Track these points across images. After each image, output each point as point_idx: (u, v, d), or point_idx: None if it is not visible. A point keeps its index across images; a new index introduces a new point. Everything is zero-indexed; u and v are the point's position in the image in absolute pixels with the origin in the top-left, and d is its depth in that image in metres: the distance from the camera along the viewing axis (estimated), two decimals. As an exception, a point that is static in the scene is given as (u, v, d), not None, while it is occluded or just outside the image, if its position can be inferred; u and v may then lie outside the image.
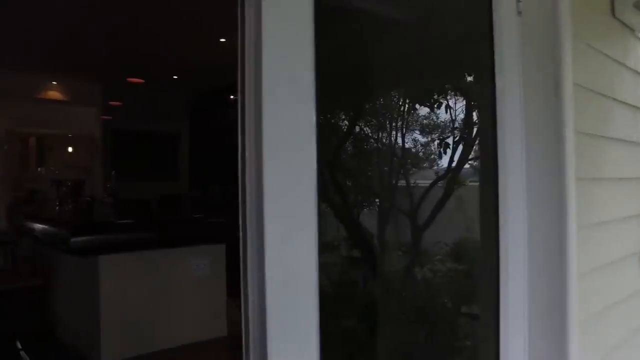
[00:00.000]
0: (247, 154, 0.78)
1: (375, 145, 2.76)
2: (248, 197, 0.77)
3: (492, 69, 1.00)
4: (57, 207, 3.59)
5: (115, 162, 6.85)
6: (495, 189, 0.99)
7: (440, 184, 2.60)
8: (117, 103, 6.09)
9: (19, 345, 3.15)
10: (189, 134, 7.60)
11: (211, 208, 6.96)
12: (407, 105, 2.83)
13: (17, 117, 7.53)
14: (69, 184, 3.37)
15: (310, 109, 0.77)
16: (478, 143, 2.11)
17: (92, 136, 7.07)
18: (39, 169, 10.56)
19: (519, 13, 1.00)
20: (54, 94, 6.92)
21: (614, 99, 1.34)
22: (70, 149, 10.51)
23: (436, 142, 2.75)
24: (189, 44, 4.99)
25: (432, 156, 2.84)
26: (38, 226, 2.87)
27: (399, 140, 2.73)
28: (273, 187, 0.73)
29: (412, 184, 2.73)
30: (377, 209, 2.87)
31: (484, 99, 1.14)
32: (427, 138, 2.82)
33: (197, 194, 7.52)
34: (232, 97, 6.55)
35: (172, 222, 2.66)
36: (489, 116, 1.03)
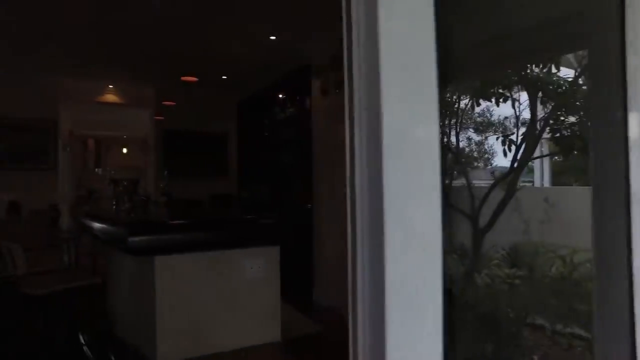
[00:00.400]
0: (357, 153, 0.64)
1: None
2: (359, 201, 0.64)
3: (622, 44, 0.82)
4: (114, 206, 3.65)
5: (167, 163, 7.01)
6: (627, 190, 0.81)
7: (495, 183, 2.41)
8: (171, 103, 6.19)
9: (82, 340, 3.23)
10: (237, 134, 7.66)
11: (260, 208, 6.97)
12: (469, 101, 2.65)
13: (78, 120, 7.90)
14: (125, 183, 3.39)
15: (433, 102, 0.63)
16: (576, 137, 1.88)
17: (146, 137, 7.27)
18: (96, 169, 11.12)
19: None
20: (111, 97, 7.18)
21: None
22: (125, 150, 10.97)
23: (499, 139, 2.54)
24: (239, 42, 4.99)
25: (487, 155, 2.65)
26: (97, 225, 2.90)
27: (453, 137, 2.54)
28: (393, 189, 0.60)
29: (471, 184, 2.54)
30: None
31: (601, 83, 0.95)
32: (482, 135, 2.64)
33: (245, 194, 7.57)
34: (280, 95, 6.52)
35: (227, 222, 2.59)
36: (611, 101, 0.86)
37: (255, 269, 2.84)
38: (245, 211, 6.74)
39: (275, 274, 2.95)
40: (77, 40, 5.01)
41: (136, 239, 2.30)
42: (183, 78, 4.56)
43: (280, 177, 6.91)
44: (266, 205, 6.80)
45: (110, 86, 7.06)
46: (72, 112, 6.85)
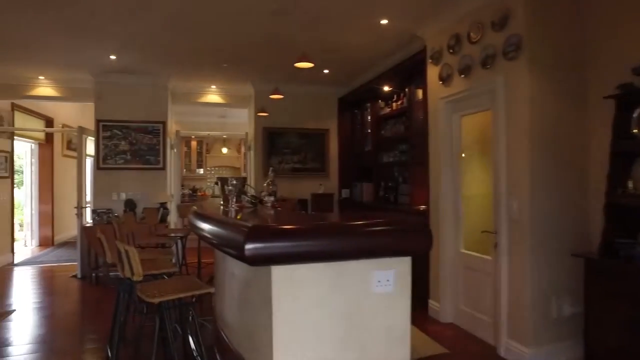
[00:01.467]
0: None
1: None
2: None
3: None
4: (221, 206, 3.45)
5: (268, 161, 6.89)
6: None
7: None
8: (279, 95, 5.99)
9: (192, 346, 3.05)
10: (337, 131, 7.32)
11: (362, 209, 6.55)
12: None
13: (183, 122, 8.18)
14: (234, 182, 3.15)
15: None
16: None
17: (246, 136, 7.22)
18: (198, 169, 11.59)
19: None
20: (214, 98, 7.26)
21: None
22: (224, 150, 11.26)
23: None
24: (347, 29, 4.60)
25: None
26: (207, 226, 2.65)
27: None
28: None
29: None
30: None
31: None
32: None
33: (346, 194, 7.20)
34: (385, 88, 6.04)
35: (352, 228, 2.16)
36: None
37: (384, 283, 2.39)
38: (346, 211, 6.36)
39: (406, 289, 2.46)
40: (182, 41, 5.01)
41: (254, 246, 1.97)
42: (297, 65, 4.27)
43: (385, 176, 6.43)
44: (369, 206, 6.36)
45: (213, 86, 7.13)
46: (178, 113, 7.02)
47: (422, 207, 5.17)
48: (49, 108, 8.53)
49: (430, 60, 4.35)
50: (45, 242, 8.79)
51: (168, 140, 6.52)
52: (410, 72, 5.39)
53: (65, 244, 8.96)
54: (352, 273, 2.31)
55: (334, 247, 2.05)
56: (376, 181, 6.56)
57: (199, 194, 10.52)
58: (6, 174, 6.98)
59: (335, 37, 4.83)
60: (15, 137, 7.31)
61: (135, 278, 2.12)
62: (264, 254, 2.01)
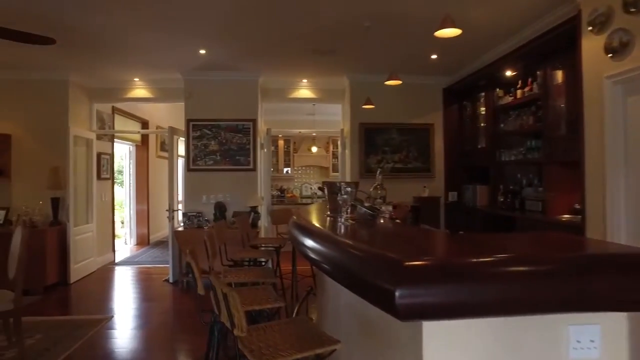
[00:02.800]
0: None
1: None
2: None
3: None
4: (328, 217, 2.82)
5: (366, 161, 6.22)
6: None
7: None
8: (397, 81, 5.29)
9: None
10: (443, 126, 6.42)
11: (476, 216, 5.61)
12: None
13: (269, 121, 7.80)
14: (348, 188, 2.50)
15: None
16: None
17: (342, 133, 6.59)
18: (285, 169, 11.27)
19: None
20: (305, 93, 6.75)
21: None
22: (315, 149, 10.79)
23: None
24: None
25: None
26: (318, 247, 2.02)
27: None
28: None
29: None
30: None
31: None
32: None
33: (453, 198, 6.29)
34: (508, 73, 5.05)
35: (562, 264, 1.38)
36: None
37: (586, 345, 1.57)
38: (455, 219, 5.38)
39: (620, 356, 1.62)
40: (273, 30, 4.52)
41: (412, 292, 1.30)
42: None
43: (505, 177, 5.43)
44: (486, 213, 5.40)
45: (304, 81, 6.62)
46: (265, 111, 6.61)
47: (565, 216, 4.15)
48: (144, 111, 8.67)
49: (589, 28, 3.34)
50: (142, 240, 8.97)
51: (258, 140, 6.11)
52: (542, 52, 4.38)
53: (160, 243, 9.08)
54: (535, 329, 1.54)
55: (537, 293, 1.29)
56: (493, 183, 5.57)
57: (287, 195, 10.16)
58: (107, 176, 7.09)
59: (457, 11, 4.00)
60: (115, 140, 7.44)
61: (237, 333, 1.54)
62: (426, 304, 1.32)
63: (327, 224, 2.63)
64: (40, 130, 6.01)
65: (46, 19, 4.05)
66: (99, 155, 6.77)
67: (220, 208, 5.81)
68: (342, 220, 2.59)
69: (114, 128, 7.30)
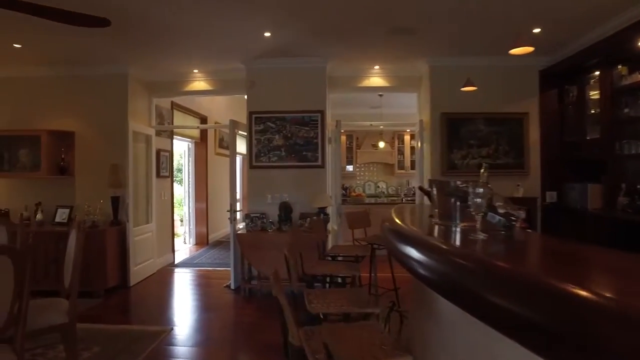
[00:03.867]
0: None
1: None
2: None
3: None
4: (435, 223, 2.17)
5: (449, 157, 5.43)
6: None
7: None
8: (471, 87, 4.58)
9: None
10: (539, 115, 5.50)
11: (587, 221, 4.68)
12: None
13: (332, 115, 7.18)
14: (481, 191, 1.81)
15: None
16: None
17: (420, 124, 5.83)
18: (348, 166, 10.63)
19: None
20: (376, 81, 6.07)
21: None
22: (382, 144, 10.06)
23: None
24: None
25: None
26: (443, 269, 1.37)
27: None
28: None
29: None
30: None
31: None
32: None
33: (552, 198, 5.36)
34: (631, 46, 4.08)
35: None
36: None
37: None
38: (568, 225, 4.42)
39: None
40: (345, 8, 3.89)
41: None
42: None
43: (628, 174, 4.46)
44: (602, 217, 4.47)
45: (376, 67, 5.93)
46: (336, 100, 5.99)
47: None
48: (203, 106, 8.38)
49: None
50: (201, 240, 8.71)
51: (326, 133, 5.51)
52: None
53: (219, 244, 8.78)
54: None
55: None
56: (610, 181, 4.61)
57: (352, 194, 9.52)
58: (167, 173, 6.81)
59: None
60: (174, 136, 7.15)
61: None
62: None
63: (455, 237, 1.94)
64: (101, 126, 5.78)
65: (101, 4, 3.66)
66: (158, 152, 6.49)
67: (285, 209, 5.28)
68: (464, 230, 1.91)
69: (172, 124, 7.01)
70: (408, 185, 10.26)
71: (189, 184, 8.64)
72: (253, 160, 5.46)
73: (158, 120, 6.57)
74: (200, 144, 8.67)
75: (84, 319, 4.28)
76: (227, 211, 5.40)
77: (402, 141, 10.53)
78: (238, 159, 11.66)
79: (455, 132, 5.45)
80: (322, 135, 5.43)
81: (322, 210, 5.19)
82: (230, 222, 5.29)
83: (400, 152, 10.52)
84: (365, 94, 7.18)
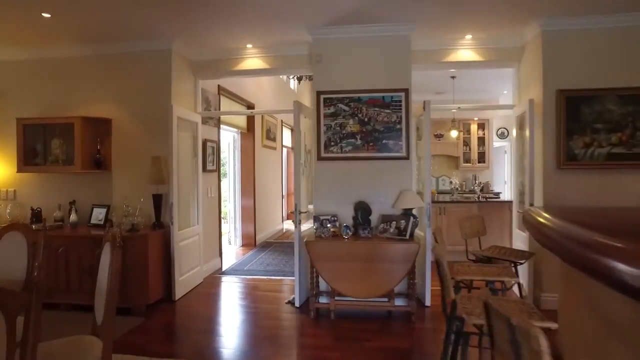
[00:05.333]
0: None
1: None
2: None
3: None
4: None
5: (568, 144, 4.29)
6: None
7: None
8: None
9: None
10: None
11: None
12: None
13: (422, 91, 6.08)
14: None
15: None
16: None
17: (530, 104, 4.68)
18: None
19: None
20: (466, 55, 4.97)
21: None
22: (454, 133, 8.87)
23: None
24: None
25: None
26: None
27: None
28: None
29: None
30: None
31: None
32: None
33: None
34: None
35: None
36: None
37: None
38: None
39: None
40: None
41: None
42: None
43: None
44: None
45: (467, 36, 4.83)
46: (418, 77, 4.93)
47: None
48: (250, 93, 7.50)
49: None
50: (248, 241, 7.86)
51: (412, 117, 4.48)
52: None
53: (268, 245, 7.90)
54: None
55: None
56: None
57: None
58: (213, 167, 5.95)
59: None
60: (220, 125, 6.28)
61: None
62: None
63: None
64: (141, 112, 4.96)
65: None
66: (204, 142, 5.63)
67: (362, 210, 4.29)
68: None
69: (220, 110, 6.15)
70: (475, 180, 9.09)
71: (234, 179, 7.79)
72: (322, 151, 4.49)
73: (204, 106, 5.70)
74: (247, 134, 7.80)
75: (121, 347, 3.44)
76: (291, 212, 4.46)
77: (467, 131, 9.36)
78: (284, 151, 10.73)
79: (574, 114, 4.29)
80: (407, 120, 4.40)
81: (409, 212, 4.17)
82: (295, 226, 4.34)
83: (466, 143, 9.36)
84: (434, 76, 6.10)
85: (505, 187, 9.68)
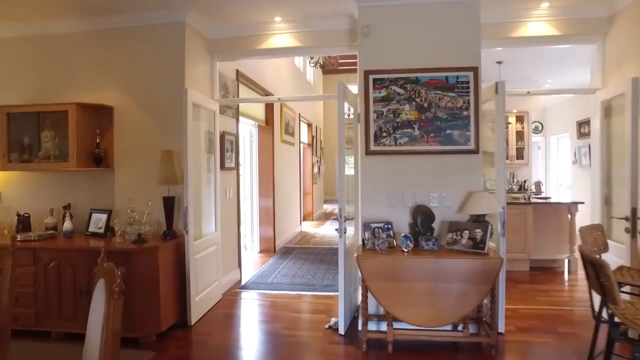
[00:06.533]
0: None
1: None
2: None
3: None
4: None
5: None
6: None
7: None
8: None
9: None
10: None
11: None
12: None
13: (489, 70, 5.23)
14: None
15: None
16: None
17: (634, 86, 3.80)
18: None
19: None
20: (540, 29, 4.12)
21: None
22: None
23: None
24: None
25: None
26: None
27: None
28: None
29: None
30: None
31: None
32: None
33: None
34: None
35: None
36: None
37: None
38: None
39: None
40: None
41: None
42: None
43: None
44: None
45: (544, 4, 3.99)
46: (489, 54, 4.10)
47: None
48: (268, 82, 6.70)
49: None
50: (267, 246, 7.05)
51: (481, 103, 3.64)
52: None
53: (289, 251, 7.08)
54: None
55: None
56: None
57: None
58: (232, 165, 5.14)
59: None
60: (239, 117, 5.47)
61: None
62: None
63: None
64: (149, 98, 4.15)
65: None
66: (222, 135, 4.82)
67: (423, 216, 3.46)
68: None
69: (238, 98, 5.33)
70: (512, 178, 8.23)
71: (251, 177, 6.98)
72: (371, 143, 3.65)
73: (222, 93, 4.89)
74: (265, 128, 6.99)
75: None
76: (333, 218, 3.63)
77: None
78: (300, 147, 9.85)
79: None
80: (476, 105, 3.57)
81: (481, 218, 3.34)
82: (340, 236, 3.51)
83: (520, 137, 8.54)
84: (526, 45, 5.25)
85: (546, 186, 8.82)
